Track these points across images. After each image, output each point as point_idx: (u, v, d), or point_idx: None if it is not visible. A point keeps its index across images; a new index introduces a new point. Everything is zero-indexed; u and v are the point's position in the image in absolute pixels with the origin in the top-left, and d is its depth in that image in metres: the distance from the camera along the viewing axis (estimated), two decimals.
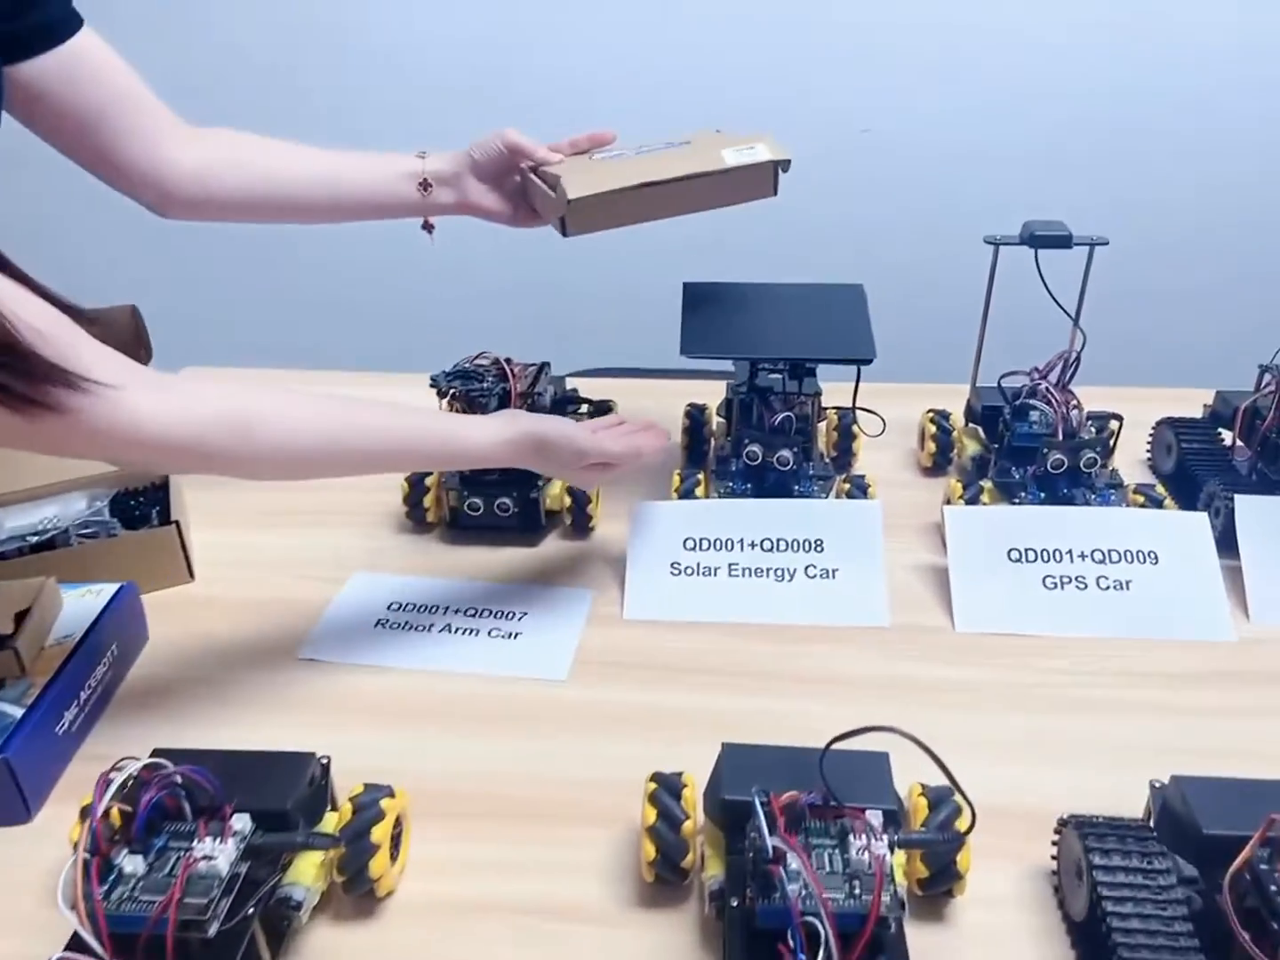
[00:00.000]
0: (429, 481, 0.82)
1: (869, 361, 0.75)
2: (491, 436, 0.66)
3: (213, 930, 0.43)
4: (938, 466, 0.90)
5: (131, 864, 0.44)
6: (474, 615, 0.73)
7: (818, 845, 0.45)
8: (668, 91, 1.64)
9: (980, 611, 0.72)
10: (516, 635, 0.71)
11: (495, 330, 1.28)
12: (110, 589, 0.69)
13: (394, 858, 0.52)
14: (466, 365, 0.77)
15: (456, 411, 0.78)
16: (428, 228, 0.82)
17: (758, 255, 1.67)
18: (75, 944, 0.42)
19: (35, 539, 0.74)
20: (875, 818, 0.45)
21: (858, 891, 0.42)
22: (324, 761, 0.53)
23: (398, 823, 0.53)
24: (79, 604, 0.67)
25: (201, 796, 0.48)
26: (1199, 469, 0.82)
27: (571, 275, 1.76)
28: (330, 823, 0.52)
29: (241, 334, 1.77)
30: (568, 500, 0.81)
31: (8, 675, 0.60)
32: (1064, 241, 0.81)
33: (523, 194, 0.81)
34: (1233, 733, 0.62)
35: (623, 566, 0.76)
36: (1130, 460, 0.91)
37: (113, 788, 0.45)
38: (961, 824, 0.48)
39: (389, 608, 0.75)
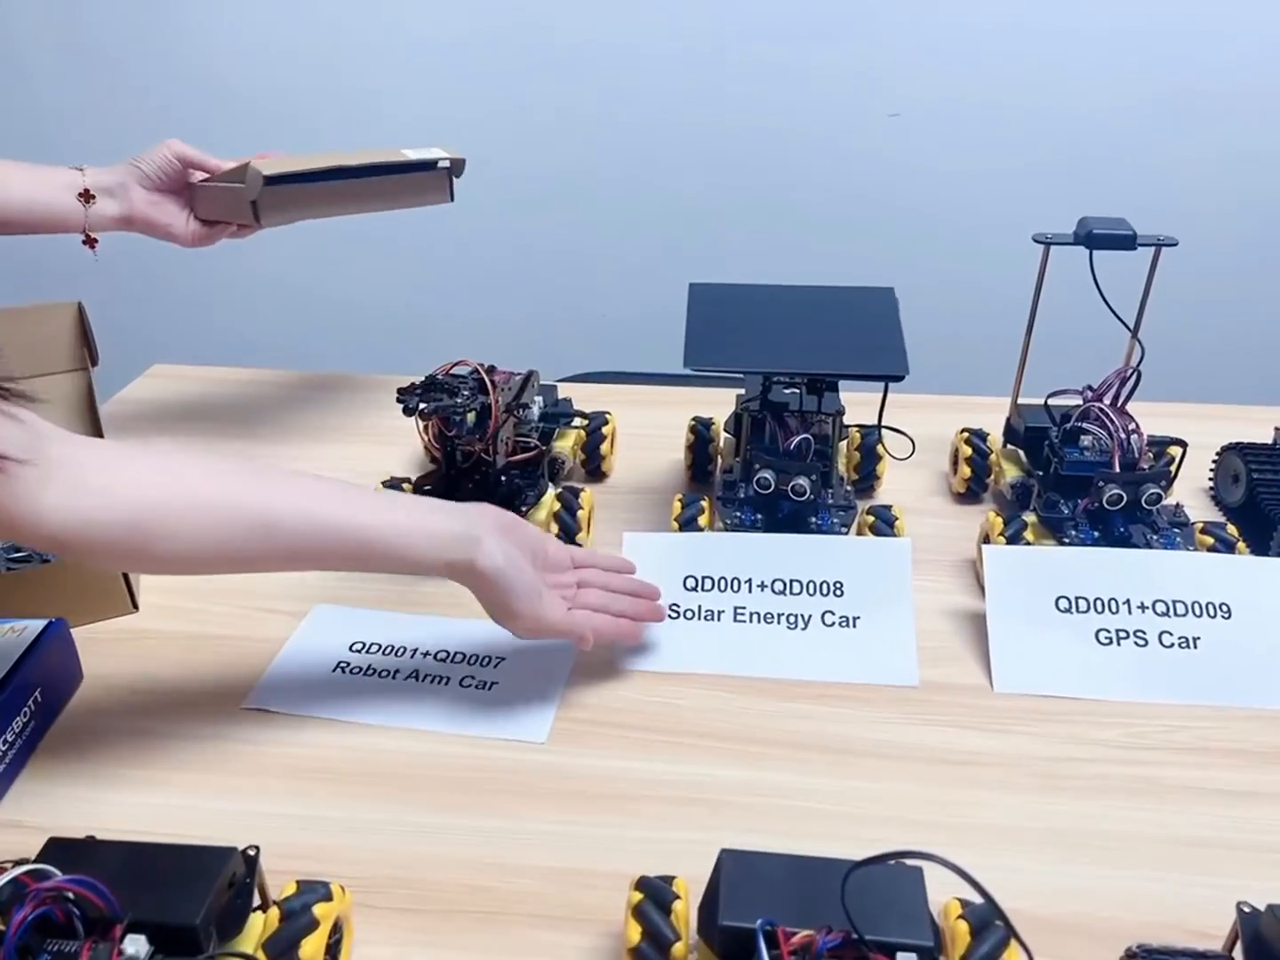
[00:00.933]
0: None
1: (900, 379, 0.66)
2: (439, 555, 0.55)
3: None
4: (972, 493, 0.81)
5: None
6: (445, 660, 0.65)
7: None
8: (697, 71, 1.54)
9: (1023, 669, 0.63)
10: (492, 685, 0.63)
11: (482, 328, 1.19)
12: (36, 626, 0.61)
13: None
14: (439, 376, 0.68)
15: (434, 430, 0.69)
16: (89, 243, 0.81)
17: (774, 251, 1.58)
18: None
19: None
20: None
21: None
22: (251, 854, 0.45)
23: (336, 928, 0.45)
24: (6, 647, 0.59)
25: (91, 909, 0.40)
26: (1273, 503, 0.73)
27: (568, 270, 1.67)
28: (257, 927, 0.44)
29: (221, 329, 1.70)
30: (555, 527, 0.72)
31: None
32: (1127, 242, 0.71)
33: (192, 208, 0.83)
34: None
35: None
36: (1190, 490, 0.82)
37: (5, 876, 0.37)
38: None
39: (351, 648, 0.66)
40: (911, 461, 0.81)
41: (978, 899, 0.35)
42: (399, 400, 0.66)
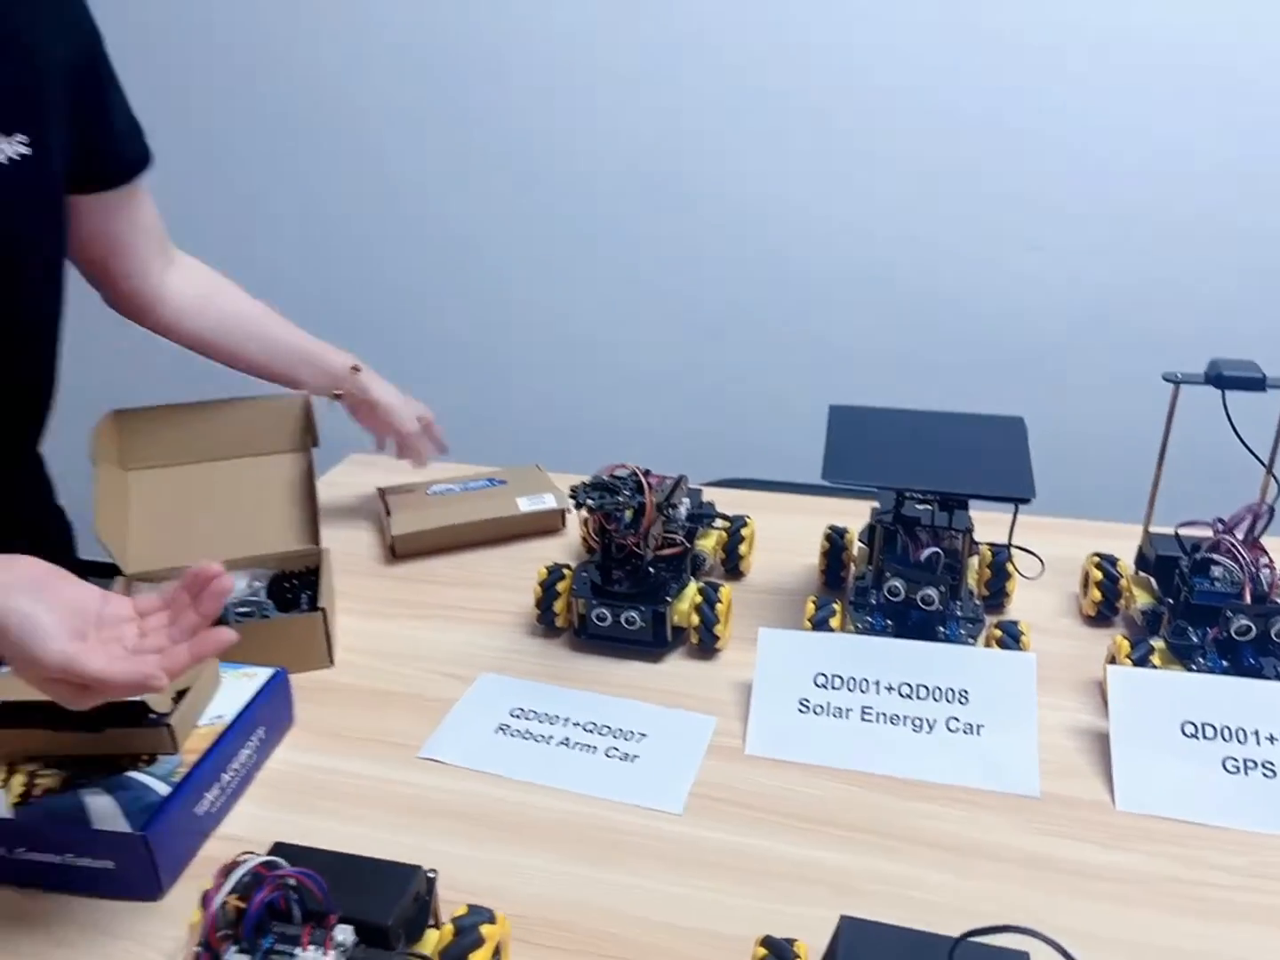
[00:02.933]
0: (560, 587, 0.82)
1: (1027, 501, 0.71)
2: None
3: None
4: (1102, 616, 0.83)
5: None
6: (593, 731, 0.72)
7: None
8: (840, 205, 1.66)
9: (1146, 790, 0.64)
10: (634, 758, 0.70)
11: (641, 434, 1.30)
12: (265, 674, 0.72)
13: None
14: (604, 478, 0.78)
15: (594, 522, 0.79)
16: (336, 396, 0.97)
17: (911, 375, 1.65)
18: None
19: None
20: None
21: None
22: (430, 876, 0.53)
23: (497, 951, 0.52)
24: (234, 685, 0.70)
25: (310, 901, 0.48)
26: None
27: (719, 386, 1.79)
28: (430, 941, 0.51)
29: None
30: (696, 619, 0.79)
31: (160, 751, 0.64)
32: (1256, 384, 0.75)
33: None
34: None
35: (748, 694, 0.73)
36: None
37: (230, 882, 0.46)
38: None
39: (511, 713, 0.75)
40: (1043, 583, 0.84)
41: None
42: (571, 497, 0.76)
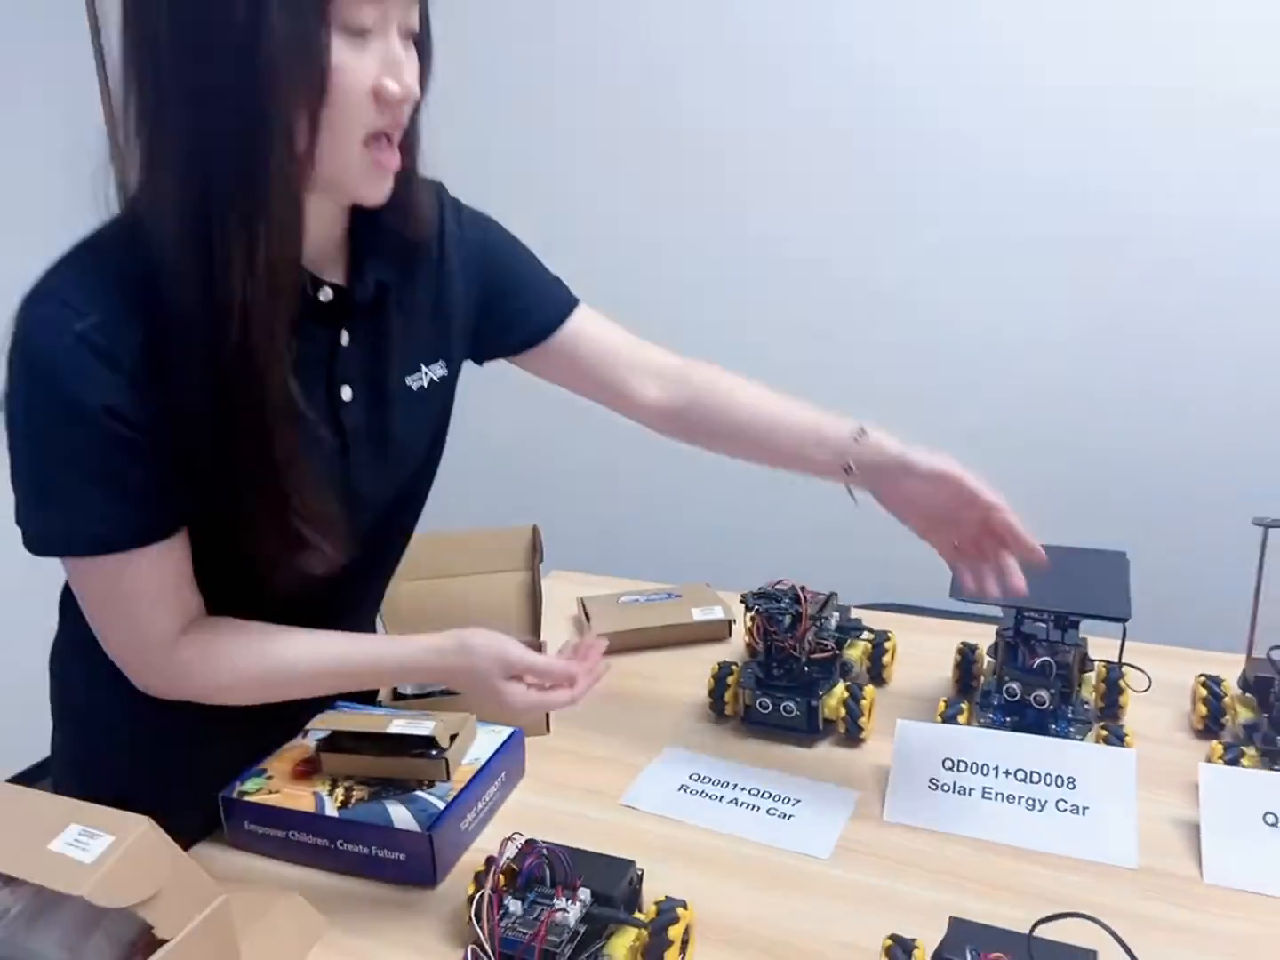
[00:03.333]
0: (729, 680, 1.01)
1: (1125, 619, 0.86)
2: (419, 644, 0.78)
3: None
4: (1209, 730, 0.94)
5: (515, 906, 0.65)
6: (756, 794, 0.90)
7: None
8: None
9: (1231, 867, 0.76)
10: (790, 816, 0.87)
11: (796, 560, 1.49)
12: (506, 731, 0.94)
13: (683, 957, 0.68)
14: (769, 588, 0.98)
15: (758, 625, 0.98)
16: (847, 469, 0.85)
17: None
18: (475, 953, 0.63)
19: (439, 690, 1.03)
20: None
21: None
22: (640, 871, 0.72)
23: (686, 931, 0.69)
24: (485, 738, 0.92)
25: (559, 872, 0.68)
26: None
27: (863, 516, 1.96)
28: (631, 931, 0.69)
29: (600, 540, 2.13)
30: (843, 711, 0.96)
31: (437, 778, 0.86)
32: None
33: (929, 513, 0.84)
34: None
35: (887, 776, 0.89)
36: None
37: (510, 847, 0.67)
38: None
39: (690, 777, 0.93)
40: (1158, 700, 0.96)
41: None
42: (741, 602, 0.97)
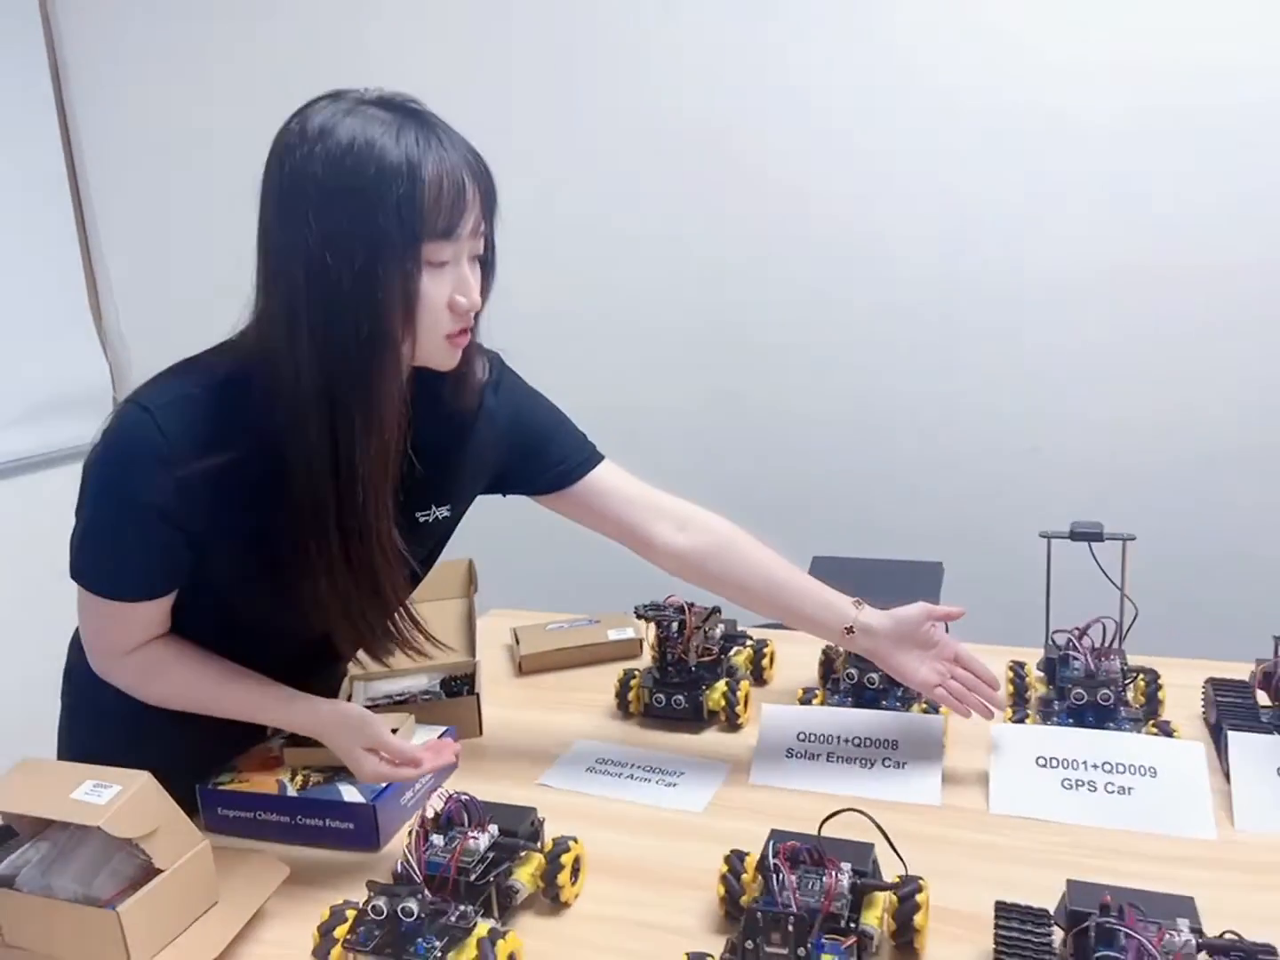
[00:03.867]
0: (632, 683, 1.21)
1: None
2: (306, 706, 0.95)
3: (473, 877, 0.80)
4: (1017, 704, 1.15)
5: (438, 840, 0.84)
6: (648, 770, 1.09)
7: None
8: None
9: (1011, 799, 0.97)
10: (674, 784, 1.06)
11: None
12: (440, 729, 1.13)
13: (574, 880, 0.87)
14: (660, 603, 1.19)
15: (656, 638, 1.19)
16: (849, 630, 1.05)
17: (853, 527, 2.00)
18: (403, 875, 0.81)
19: (399, 698, 1.22)
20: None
21: None
22: (542, 818, 0.91)
23: (577, 860, 0.88)
24: (422, 734, 1.11)
25: (474, 815, 0.87)
26: (1226, 717, 1.02)
27: None
28: (538, 857, 0.88)
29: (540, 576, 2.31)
30: (724, 703, 1.17)
31: None
32: (1097, 536, 1.11)
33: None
34: None
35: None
36: (1188, 714, 1.11)
37: (437, 801, 0.86)
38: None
39: (597, 761, 1.12)
40: None
41: None
42: (635, 612, 1.17)
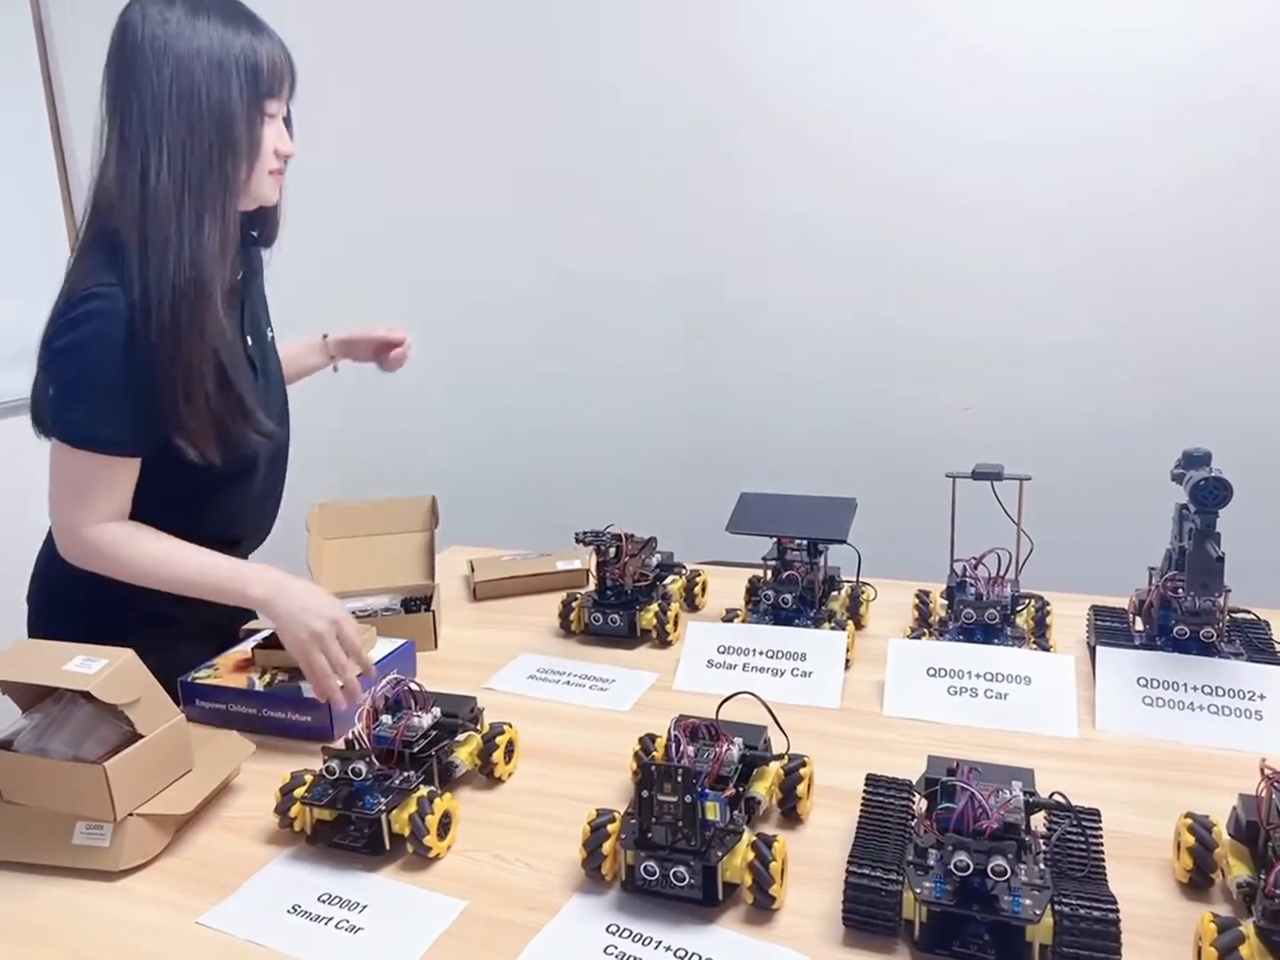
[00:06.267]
0: (574, 604, 1.33)
1: (842, 541, 1.20)
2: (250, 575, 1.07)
3: (416, 749, 0.91)
4: (921, 626, 1.28)
5: (386, 719, 0.95)
6: (583, 678, 1.21)
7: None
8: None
9: (901, 704, 1.09)
10: (605, 690, 1.18)
11: (636, 514, 1.81)
12: (400, 642, 1.24)
13: (508, 760, 0.98)
14: (600, 530, 1.30)
15: (596, 562, 1.30)
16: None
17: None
18: (353, 746, 0.92)
19: (361, 613, 1.33)
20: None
21: None
22: (481, 706, 1.02)
23: (511, 743, 0.99)
24: (383, 645, 1.21)
25: (419, 699, 0.98)
26: (1103, 638, 1.15)
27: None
28: (477, 739, 0.99)
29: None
30: (655, 622, 1.28)
31: None
32: (997, 476, 1.23)
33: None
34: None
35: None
36: (1075, 640, 1.24)
37: (383, 682, 0.97)
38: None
39: (538, 669, 1.24)
40: (887, 614, 1.29)
41: None
42: (576, 539, 1.28)
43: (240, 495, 1.20)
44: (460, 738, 0.98)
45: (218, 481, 1.13)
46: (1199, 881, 0.78)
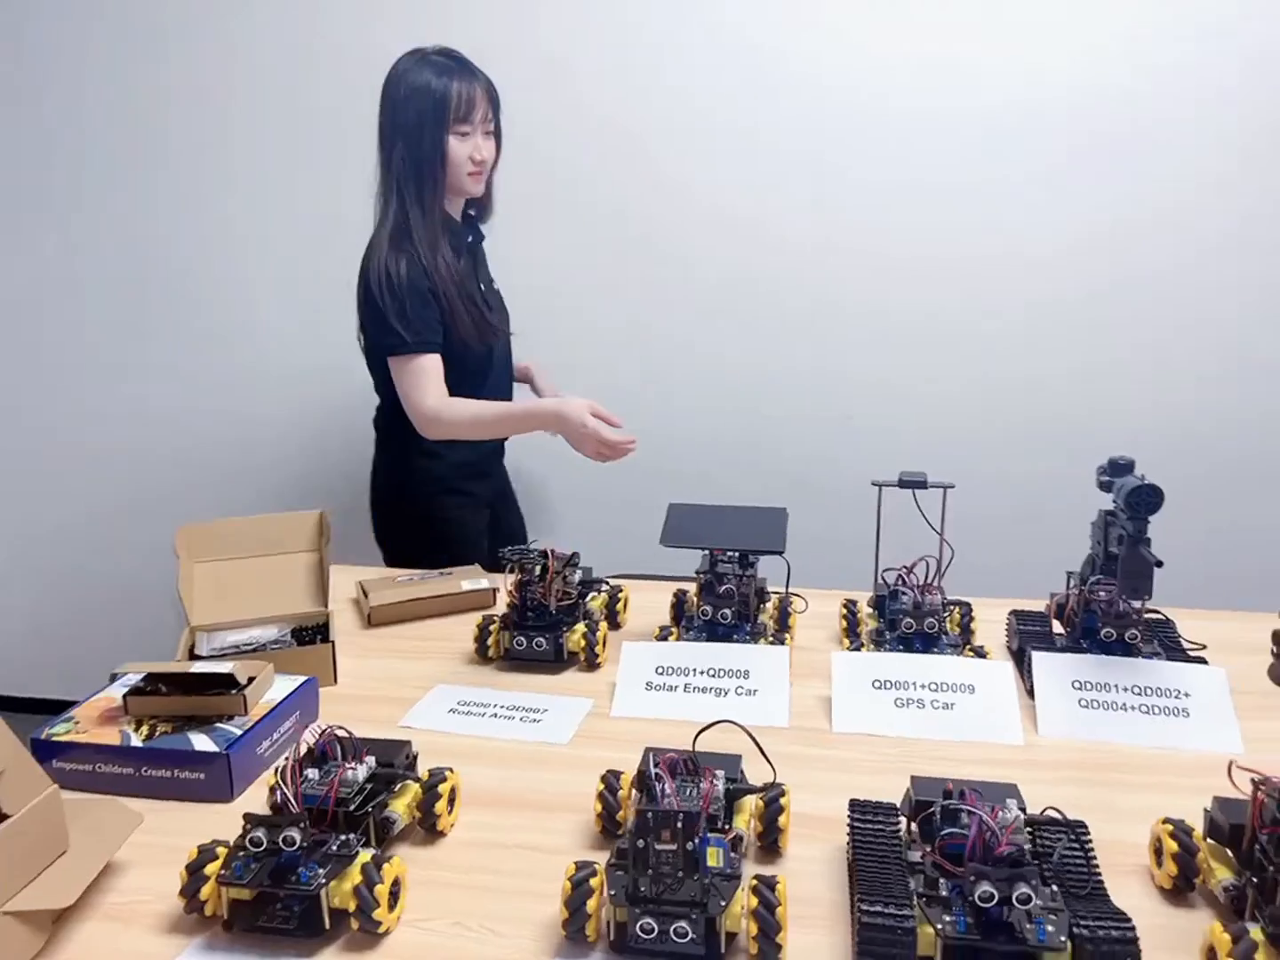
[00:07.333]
0: (492, 628, 1.22)
1: (779, 553, 1.16)
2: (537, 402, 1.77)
3: (353, 807, 0.80)
4: (849, 637, 1.26)
5: (313, 773, 0.82)
6: (511, 709, 1.11)
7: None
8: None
9: (850, 719, 1.06)
10: (538, 721, 1.09)
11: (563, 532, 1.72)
12: (302, 679, 1.09)
13: (450, 809, 0.88)
14: (524, 548, 1.21)
15: (516, 579, 1.21)
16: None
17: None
18: (280, 808, 0.79)
19: (246, 647, 1.17)
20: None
21: None
22: (416, 751, 0.91)
23: (453, 790, 0.89)
24: (281, 684, 1.07)
25: (348, 749, 0.86)
26: (1028, 641, 1.17)
27: (617, 514, 2.24)
28: (414, 788, 0.88)
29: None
30: (583, 643, 1.20)
31: (236, 712, 1.00)
32: (921, 484, 1.23)
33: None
34: None
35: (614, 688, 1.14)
36: (996, 643, 1.26)
37: (309, 735, 0.85)
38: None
39: (458, 703, 1.13)
40: (815, 624, 1.27)
41: None
42: (499, 555, 1.18)
43: (484, 379, 1.73)
44: (395, 788, 0.87)
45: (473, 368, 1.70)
46: (1182, 886, 0.78)
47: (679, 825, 0.69)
